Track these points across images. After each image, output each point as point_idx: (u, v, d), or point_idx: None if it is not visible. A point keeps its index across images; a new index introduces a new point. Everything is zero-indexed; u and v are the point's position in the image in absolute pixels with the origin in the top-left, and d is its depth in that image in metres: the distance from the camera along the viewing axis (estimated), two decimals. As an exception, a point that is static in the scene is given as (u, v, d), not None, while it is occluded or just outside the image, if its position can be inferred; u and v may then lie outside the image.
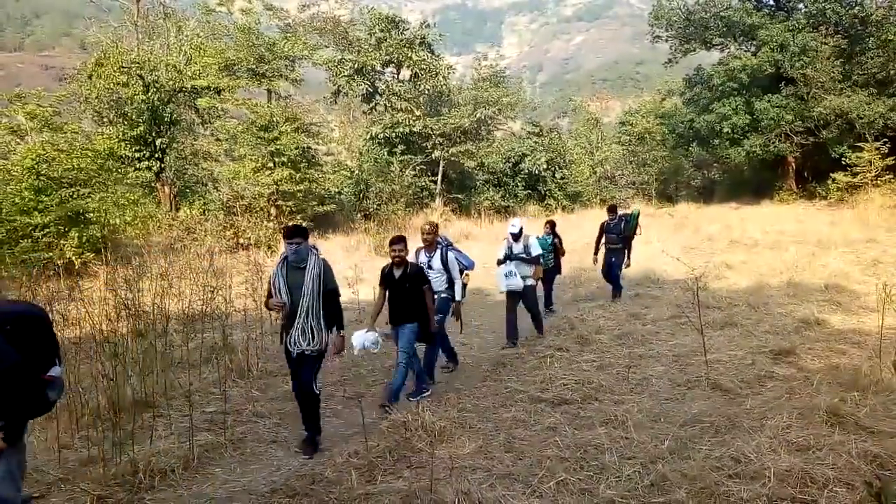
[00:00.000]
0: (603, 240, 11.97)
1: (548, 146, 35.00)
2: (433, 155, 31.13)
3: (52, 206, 14.55)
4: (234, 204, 20.84)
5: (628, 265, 12.11)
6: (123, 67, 21.99)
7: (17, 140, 19.89)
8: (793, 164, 30.06)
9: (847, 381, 6.11)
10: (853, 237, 16.00)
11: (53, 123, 19.68)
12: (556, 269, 11.54)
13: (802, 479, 4.21)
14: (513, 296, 9.05)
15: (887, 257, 13.24)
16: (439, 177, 31.78)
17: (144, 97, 21.94)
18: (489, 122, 35.13)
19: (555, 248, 11.30)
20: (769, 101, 27.79)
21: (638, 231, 12.14)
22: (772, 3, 31.67)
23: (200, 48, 24.23)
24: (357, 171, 28.74)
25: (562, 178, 35.37)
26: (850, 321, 8.71)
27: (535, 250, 9.08)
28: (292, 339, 5.53)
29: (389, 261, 6.94)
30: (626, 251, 11.95)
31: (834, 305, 9.65)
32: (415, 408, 5.88)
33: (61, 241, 14.32)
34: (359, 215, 26.51)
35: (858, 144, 24.59)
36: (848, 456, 4.48)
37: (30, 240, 14.17)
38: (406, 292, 6.72)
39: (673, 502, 4.10)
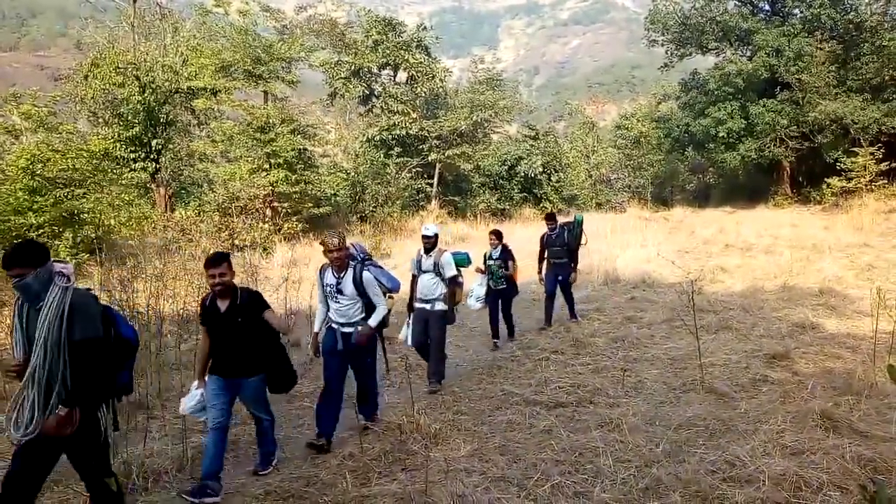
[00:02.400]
0: (545, 254, 10.25)
1: (544, 149, 35.05)
2: (429, 157, 31.14)
3: (46, 206, 14.50)
4: (230, 205, 20.80)
5: (574, 279, 10.30)
6: (119, 68, 21.96)
7: (12, 140, 19.82)
8: (788, 169, 30.17)
9: (841, 385, 6.14)
10: (847, 242, 16.06)
11: (49, 124, 19.64)
12: (510, 289, 9.33)
13: (796, 483, 4.22)
14: (419, 318, 7.41)
15: (881, 262, 13.29)
16: (435, 179, 31.79)
17: (140, 98, 21.90)
18: (485, 125, 35.17)
19: (506, 265, 9.22)
20: (764, 105, 27.89)
21: (583, 240, 10.37)
22: (767, 8, 31.83)
23: (197, 49, 24.20)
24: (353, 173, 28.71)
25: (557, 182, 35.42)
26: (844, 325, 8.74)
27: (449, 270, 7.23)
28: (10, 420, 3.58)
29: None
30: (573, 264, 10.20)
31: (828, 310, 9.68)
32: (411, 410, 5.86)
33: (56, 242, 14.27)
34: (355, 217, 26.48)
35: (853, 149, 24.68)
36: (842, 460, 4.49)
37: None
38: (239, 331, 4.77)
39: (667, 506, 4.10)
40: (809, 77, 26.74)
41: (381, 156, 29.49)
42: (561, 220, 10.46)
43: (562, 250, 10.04)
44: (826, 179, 25.73)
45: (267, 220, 21.08)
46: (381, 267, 6.12)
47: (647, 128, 39.12)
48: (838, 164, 25.10)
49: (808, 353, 7.49)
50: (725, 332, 8.67)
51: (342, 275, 5.72)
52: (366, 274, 5.73)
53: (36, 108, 19.34)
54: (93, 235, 14.74)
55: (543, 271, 10.26)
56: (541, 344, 8.93)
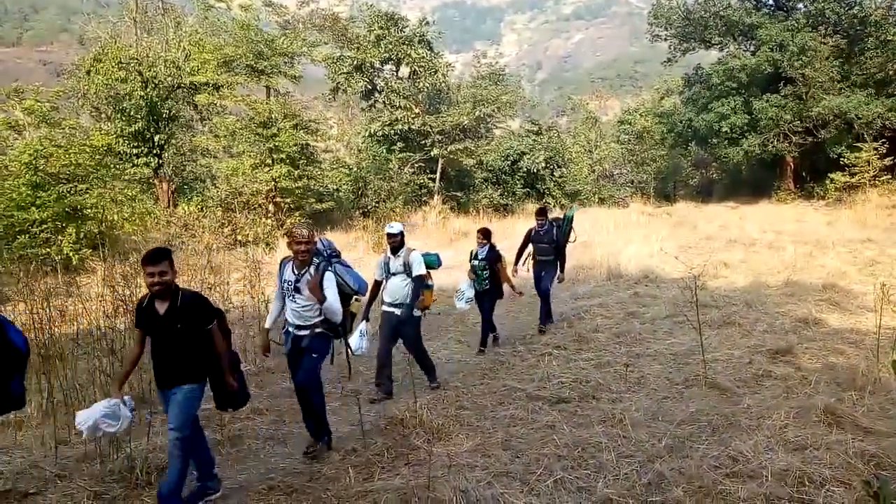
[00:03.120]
0: (530, 250, 9.75)
1: (546, 145, 34.95)
2: (432, 153, 31.09)
3: (49, 201, 14.53)
4: (233, 200, 20.81)
5: (562, 279, 9.74)
6: (122, 63, 21.94)
7: (15, 135, 19.85)
8: (791, 164, 30.07)
9: (845, 380, 6.13)
10: (851, 237, 16.01)
11: (51, 119, 19.66)
12: (494, 292, 8.77)
13: (800, 479, 4.21)
14: (388, 325, 6.91)
15: (885, 257, 13.25)
16: (438, 174, 31.74)
17: (143, 93, 21.89)
18: (488, 120, 35.08)
19: (491, 266, 8.67)
20: (768, 100, 27.79)
21: (572, 237, 9.84)
22: (771, 2, 31.69)
23: (199, 44, 24.17)
24: (355, 169, 28.68)
25: (560, 177, 35.33)
26: (847, 321, 8.72)
27: (418, 269, 6.80)
28: None
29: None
30: (560, 263, 9.64)
31: (831, 305, 9.65)
32: (413, 405, 5.87)
33: (59, 237, 14.31)
34: (357, 213, 26.48)
35: (857, 144, 24.62)
36: (845, 455, 4.49)
37: (27, 235, 14.15)
38: (177, 337, 4.33)
39: (670, 501, 4.10)
40: (813, 72, 26.64)
41: (384, 151, 29.46)
42: (555, 215, 10.23)
43: (549, 247, 9.50)
44: (829, 175, 25.68)
45: (269, 215, 21.09)
46: (348, 266, 5.60)
47: (650, 123, 39.02)
48: (842, 159, 25.04)
49: (812, 348, 7.47)
50: (728, 328, 8.65)
51: (303, 272, 5.22)
52: (328, 275, 5.20)
53: (39, 104, 19.35)
54: (96, 231, 14.77)
55: (521, 267, 9.74)
56: (543, 339, 8.93)
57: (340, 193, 27.33)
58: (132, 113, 22.04)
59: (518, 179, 34.41)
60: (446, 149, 31.00)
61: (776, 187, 30.20)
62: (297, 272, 5.24)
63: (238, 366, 4.81)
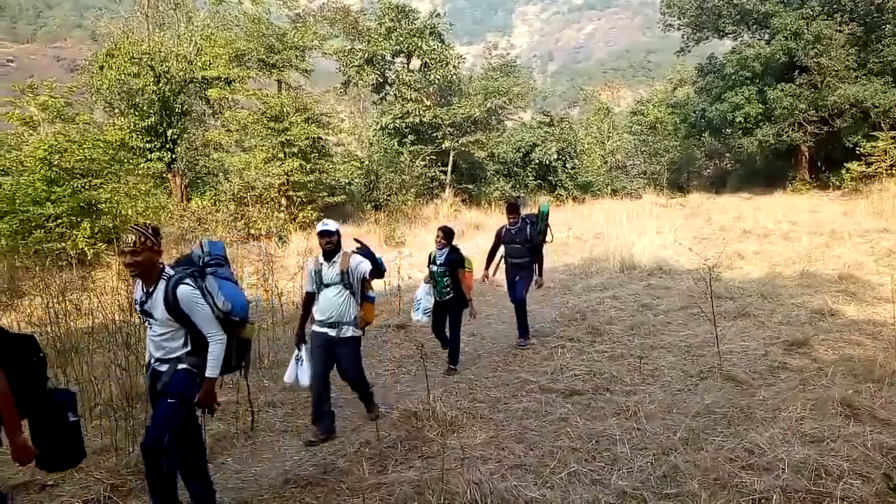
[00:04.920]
0: (502, 251, 8.49)
1: (558, 136, 34.79)
2: (443, 145, 31.03)
3: (64, 196, 14.63)
4: (245, 194, 20.88)
5: (540, 284, 8.49)
6: (134, 58, 22.03)
7: (30, 131, 19.99)
8: (806, 154, 29.75)
9: (862, 372, 6.06)
10: (867, 227, 15.84)
11: (65, 114, 19.78)
12: (458, 302, 7.45)
13: (817, 471, 4.18)
14: (322, 348, 5.69)
15: (902, 248, 13.09)
16: (449, 167, 31.68)
17: (155, 88, 21.98)
18: (499, 111, 34.97)
19: (452, 271, 7.36)
20: (782, 89, 27.47)
21: (548, 237, 8.60)
22: (786, -10, 31.32)
23: (210, 38, 24.23)
24: (367, 162, 28.69)
25: (572, 168, 35.18)
26: (864, 312, 8.63)
27: (362, 272, 5.65)
28: None
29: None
30: (537, 266, 8.43)
31: (848, 296, 9.55)
32: (426, 398, 5.87)
33: (74, 232, 14.41)
34: (369, 206, 26.50)
35: (873, 134, 24.31)
36: (863, 448, 4.45)
37: (43, 230, 14.27)
38: None
39: (686, 494, 4.08)
40: (828, 60, 26.30)
41: (395, 144, 29.43)
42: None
43: (522, 248, 8.25)
44: (845, 164, 25.38)
45: (282, 209, 21.15)
46: (228, 278, 4.31)
47: (663, 113, 38.71)
48: (858, 148, 24.74)
49: (828, 340, 7.40)
50: (743, 319, 8.59)
51: (152, 289, 3.96)
52: (182, 290, 3.89)
53: (53, 99, 19.48)
54: (110, 225, 14.86)
55: (492, 272, 8.48)
56: (556, 331, 8.90)
57: (352, 187, 27.35)
58: (145, 108, 22.15)
59: (530, 171, 34.29)
60: (458, 141, 30.93)
61: (791, 177, 29.89)
62: (145, 289, 4.00)
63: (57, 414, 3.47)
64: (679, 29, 33.50)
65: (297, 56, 25.76)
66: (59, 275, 10.99)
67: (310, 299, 5.80)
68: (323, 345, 5.66)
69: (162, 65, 22.59)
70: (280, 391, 6.93)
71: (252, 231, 19.27)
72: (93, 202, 15.07)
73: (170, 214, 19.08)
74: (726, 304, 9.28)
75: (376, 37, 31.35)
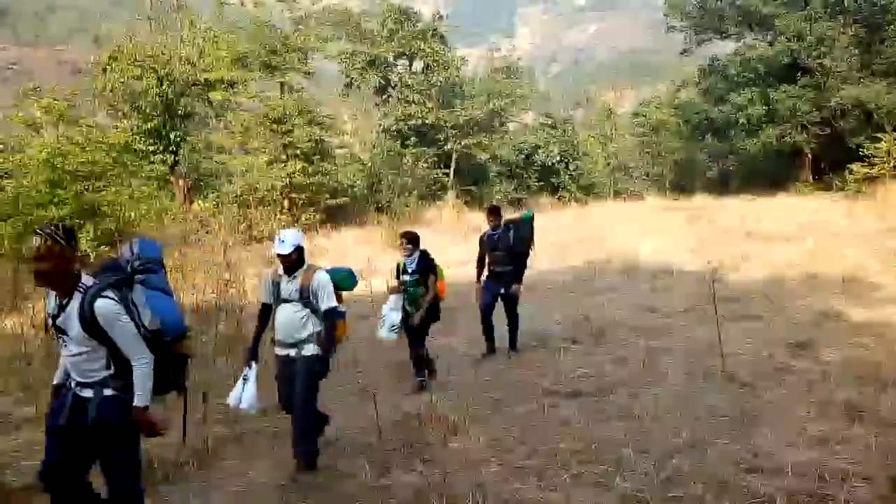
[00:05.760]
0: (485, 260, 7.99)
1: (561, 138, 34.81)
2: (446, 147, 31.08)
3: (67, 199, 14.64)
4: (248, 197, 20.90)
5: (517, 290, 7.88)
6: (137, 61, 22.07)
7: (33, 134, 20.03)
8: (809, 156, 29.70)
9: (866, 374, 6.02)
10: (871, 229, 15.78)
11: (68, 117, 19.81)
12: (430, 313, 6.88)
13: (821, 474, 4.15)
14: (287, 374, 4.99)
15: (906, 249, 13.03)
16: (452, 169, 31.71)
17: (158, 90, 22.02)
18: (502, 113, 34.99)
19: (425, 280, 6.82)
20: (785, 91, 27.44)
21: (532, 245, 8.07)
22: (788, -9, 31.30)
23: (213, 41, 24.28)
24: (369, 164, 28.72)
25: (575, 170, 35.20)
26: (868, 314, 8.57)
27: (328, 299, 4.86)
28: None
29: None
30: (518, 274, 7.90)
31: (852, 298, 9.50)
32: (428, 400, 5.85)
33: (77, 235, 14.42)
34: (371, 208, 26.51)
35: (877, 135, 24.20)
36: (868, 450, 4.42)
37: (46, 233, 14.26)
38: None
39: (689, 496, 4.05)
40: (832, 61, 26.28)
41: (398, 146, 29.48)
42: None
43: (505, 256, 7.76)
44: (849, 166, 25.29)
45: (284, 211, 21.16)
46: (161, 288, 3.70)
47: (666, 115, 38.72)
48: (861, 150, 24.66)
49: (832, 341, 7.35)
50: (747, 321, 8.55)
51: (66, 302, 3.36)
52: (101, 304, 3.27)
53: (56, 102, 19.49)
54: (113, 228, 14.87)
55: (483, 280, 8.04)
56: (559, 333, 8.87)
57: (355, 189, 27.38)
58: (148, 110, 22.20)
59: (532, 173, 34.34)
60: (460, 143, 30.97)
61: (794, 179, 29.84)
62: (59, 302, 3.40)
63: None
64: (682, 30, 33.51)
65: (299, 58, 25.82)
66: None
67: (265, 312, 5.07)
68: (285, 367, 4.99)
69: (165, 67, 22.63)
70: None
71: (254, 233, 19.28)
72: (96, 205, 15.08)
73: (172, 217, 19.10)
74: (730, 306, 9.23)
75: (379, 39, 31.42)
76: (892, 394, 5.45)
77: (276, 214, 20.34)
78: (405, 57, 32.90)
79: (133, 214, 15.81)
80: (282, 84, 26.12)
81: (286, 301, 4.89)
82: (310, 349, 4.88)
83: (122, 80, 21.96)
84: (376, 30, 32.18)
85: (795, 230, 16.64)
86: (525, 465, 4.69)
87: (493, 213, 7.98)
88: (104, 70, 22.63)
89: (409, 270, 6.82)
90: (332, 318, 4.89)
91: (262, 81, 25.86)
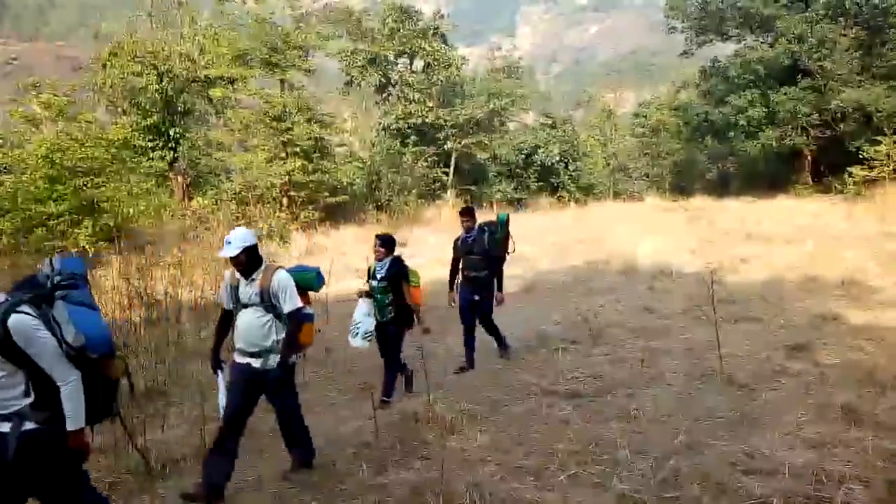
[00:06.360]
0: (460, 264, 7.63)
1: (561, 138, 34.82)
2: (445, 146, 31.07)
3: (66, 195, 14.65)
4: (247, 194, 20.89)
5: (500, 301, 7.56)
6: (138, 57, 22.04)
7: (32, 129, 20.02)
8: (809, 158, 29.72)
9: (864, 377, 6.03)
10: (870, 232, 15.79)
11: (68, 113, 19.80)
12: (402, 321, 6.55)
13: (818, 476, 4.15)
14: (242, 383, 4.59)
15: (905, 252, 13.04)
16: (451, 168, 31.71)
17: (158, 87, 21.99)
18: (502, 113, 35.00)
19: (395, 287, 6.42)
20: (786, 93, 27.46)
21: (509, 247, 7.63)
22: (790, -7, 31.31)
23: (214, 38, 24.25)
24: (369, 162, 28.72)
25: (575, 170, 35.21)
26: (867, 316, 8.58)
27: (290, 300, 4.51)
28: None
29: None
30: (497, 280, 7.53)
31: (850, 300, 9.51)
32: (426, 399, 5.85)
33: (75, 230, 14.43)
34: (371, 206, 26.50)
35: (876, 138, 24.23)
36: (865, 453, 4.42)
37: (44, 228, 14.29)
38: None
39: (686, 498, 4.06)
40: (832, 64, 26.28)
41: (398, 144, 29.48)
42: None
43: (480, 261, 7.38)
44: (848, 168, 25.30)
45: (283, 208, 21.15)
46: (84, 303, 3.37)
47: (666, 116, 38.74)
48: (861, 152, 24.68)
49: (830, 344, 7.36)
50: (745, 323, 8.55)
51: None
52: (16, 320, 3.01)
53: (56, 98, 19.52)
54: (112, 224, 14.88)
55: (457, 291, 7.64)
56: (557, 334, 8.86)
57: (354, 187, 27.37)
58: (147, 107, 22.17)
59: (532, 173, 34.33)
60: (460, 142, 30.97)
61: (794, 181, 29.85)
62: None
63: None
64: (682, 31, 33.50)
65: (299, 56, 25.79)
66: (61, 273, 11.01)
67: (226, 318, 4.75)
68: (244, 378, 4.54)
69: (165, 64, 22.60)
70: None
71: (253, 231, 19.28)
72: (95, 200, 15.09)
73: (171, 213, 19.09)
74: (728, 308, 9.23)
75: (379, 37, 31.41)
76: (890, 397, 5.45)
77: (275, 212, 20.33)
78: (406, 55, 32.89)
79: (132, 211, 15.82)
80: (282, 81, 26.08)
81: (246, 306, 4.53)
82: (276, 360, 4.51)
83: (121, 76, 21.92)
84: (377, 28, 32.16)
85: (795, 232, 16.65)
86: (522, 465, 4.69)
87: (467, 214, 7.61)
88: (104, 66, 22.58)
89: (378, 276, 6.41)
90: (295, 321, 4.52)
91: (262, 79, 25.83)
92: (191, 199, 22.55)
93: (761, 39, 31.18)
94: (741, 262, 13.17)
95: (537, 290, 12.09)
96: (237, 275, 4.56)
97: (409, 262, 6.81)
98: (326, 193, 23.63)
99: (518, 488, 4.28)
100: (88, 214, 14.86)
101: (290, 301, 4.48)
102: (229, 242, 4.45)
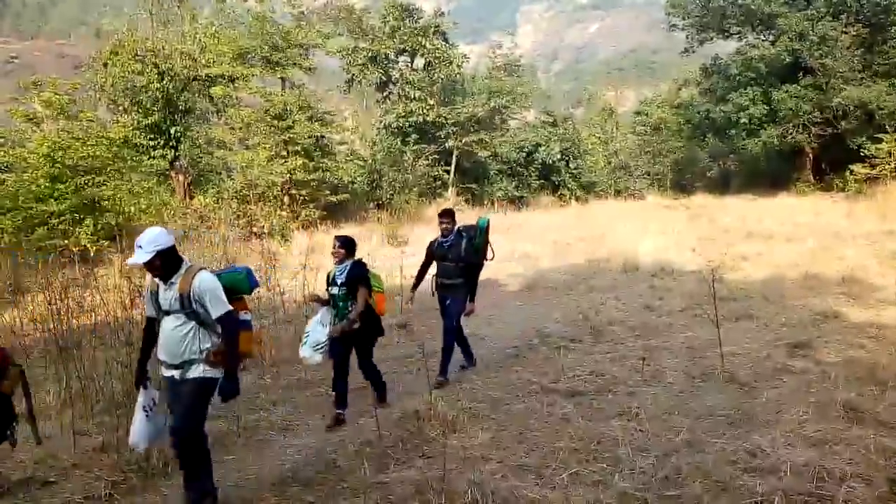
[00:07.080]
0: (434, 270, 7.12)
1: (562, 136, 34.80)
2: (446, 144, 31.06)
3: (67, 193, 14.67)
4: (248, 192, 20.90)
5: (470, 311, 7.02)
6: (138, 55, 22.04)
7: (34, 128, 20.01)
8: (810, 156, 29.71)
9: (865, 375, 6.03)
10: (871, 229, 15.78)
11: (69, 111, 19.79)
12: (369, 329, 5.98)
13: (819, 474, 4.15)
14: (173, 398, 4.19)
15: (906, 250, 13.03)
16: (452, 166, 31.69)
17: (159, 85, 21.98)
18: (503, 111, 34.99)
19: (352, 290, 5.84)
20: (787, 91, 27.43)
21: (488, 254, 7.13)
22: (791, -10, 31.27)
23: (215, 36, 24.25)
24: (370, 161, 28.72)
25: (576, 169, 35.20)
26: (868, 314, 8.58)
27: (216, 305, 4.00)
28: None
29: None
30: (470, 288, 7.02)
31: (851, 298, 9.51)
32: (428, 397, 5.86)
33: (76, 229, 14.44)
34: (372, 205, 26.51)
35: (878, 136, 24.22)
36: (866, 451, 4.42)
37: (46, 227, 14.31)
38: None
39: (687, 496, 4.06)
40: (834, 62, 26.25)
41: (398, 143, 29.47)
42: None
43: (454, 268, 6.89)
44: (849, 166, 25.30)
45: (284, 207, 21.15)
46: None
47: (667, 114, 38.72)
48: (862, 150, 24.66)
49: (831, 342, 7.37)
50: (746, 321, 8.56)
51: None
52: None
53: (57, 96, 19.48)
54: (113, 222, 14.90)
55: (416, 295, 7.18)
56: (558, 332, 8.87)
57: (355, 185, 27.38)
58: (148, 105, 22.16)
59: (533, 171, 34.32)
60: (461, 140, 30.95)
61: (795, 179, 29.85)
62: None
63: None
64: (683, 29, 33.46)
65: (300, 54, 25.79)
66: (62, 272, 11.00)
67: (149, 327, 4.26)
68: (173, 393, 4.17)
69: (166, 62, 22.59)
70: (281, 389, 6.94)
71: (254, 229, 19.28)
72: (96, 199, 15.11)
73: (172, 212, 19.09)
74: (729, 306, 9.24)
75: (380, 35, 31.38)
76: (891, 395, 5.45)
77: (276, 210, 20.34)
78: (406, 53, 32.87)
79: (133, 209, 15.83)
80: (283, 80, 26.11)
81: (167, 313, 4.04)
82: (197, 370, 4.03)
83: (122, 74, 21.91)
84: (378, 26, 32.14)
85: (796, 230, 16.66)
86: (524, 463, 4.70)
87: (447, 216, 7.03)
88: (105, 64, 22.58)
89: (338, 282, 5.87)
90: (228, 327, 4.01)
91: (262, 77, 25.81)
92: (192, 197, 22.54)
93: (762, 37, 31.16)
94: (742, 259, 13.17)
95: (538, 288, 12.10)
96: (158, 281, 4.04)
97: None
98: (327, 192, 23.64)
99: (519, 486, 4.28)
100: (89, 213, 14.87)
101: (216, 306, 3.97)
102: (140, 246, 3.90)
